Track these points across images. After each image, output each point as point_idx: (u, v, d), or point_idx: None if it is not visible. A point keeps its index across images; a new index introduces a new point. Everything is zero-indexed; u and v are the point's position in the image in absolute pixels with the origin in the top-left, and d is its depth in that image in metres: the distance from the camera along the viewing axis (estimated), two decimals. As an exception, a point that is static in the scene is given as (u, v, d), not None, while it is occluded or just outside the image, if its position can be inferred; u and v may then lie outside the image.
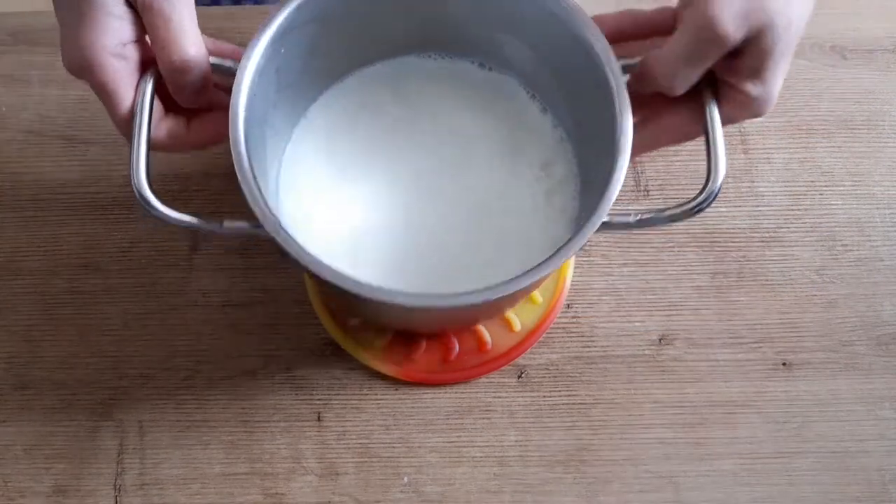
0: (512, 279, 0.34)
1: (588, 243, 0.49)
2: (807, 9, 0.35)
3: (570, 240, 0.35)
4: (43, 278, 0.48)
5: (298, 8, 0.38)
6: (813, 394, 0.46)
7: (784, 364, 0.47)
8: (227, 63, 0.37)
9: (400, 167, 0.43)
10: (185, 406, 0.46)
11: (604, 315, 0.48)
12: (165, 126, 0.38)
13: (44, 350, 0.47)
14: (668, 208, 0.36)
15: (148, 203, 0.34)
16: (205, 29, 0.37)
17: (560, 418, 0.46)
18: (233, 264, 0.48)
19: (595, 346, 0.47)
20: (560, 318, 0.48)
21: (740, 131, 0.52)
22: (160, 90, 0.36)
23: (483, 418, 0.46)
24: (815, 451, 0.45)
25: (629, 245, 0.50)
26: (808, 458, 0.45)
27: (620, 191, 0.35)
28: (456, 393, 0.46)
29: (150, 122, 0.35)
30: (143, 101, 0.35)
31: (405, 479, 0.45)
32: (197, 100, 0.37)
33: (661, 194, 0.51)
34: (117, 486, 0.44)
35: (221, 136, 0.37)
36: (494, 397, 0.46)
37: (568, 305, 0.48)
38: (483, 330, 0.47)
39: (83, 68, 0.34)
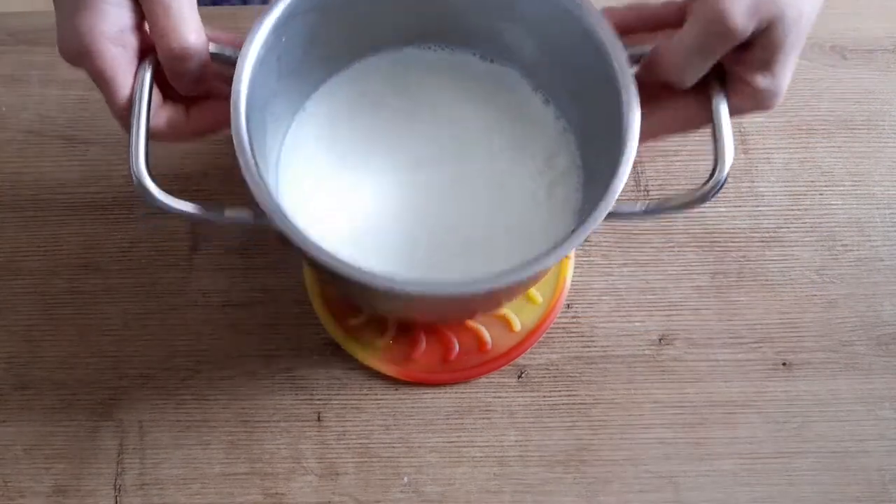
0: (516, 268, 0.34)
1: (588, 243, 0.49)
2: (818, 1, 0.34)
3: (576, 229, 0.34)
4: (43, 278, 0.48)
5: None
6: (813, 394, 0.46)
7: (784, 364, 0.47)
8: (227, 51, 0.36)
9: (400, 156, 0.43)
10: (185, 406, 0.46)
11: (604, 315, 0.48)
12: (164, 114, 0.37)
13: (44, 350, 0.47)
14: (675, 197, 0.36)
15: (148, 192, 0.34)
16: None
17: (560, 418, 0.46)
18: (233, 264, 0.48)
19: (595, 346, 0.47)
20: (560, 318, 0.48)
21: (740, 131, 0.52)
22: (158, 78, 0.36)
23: (483, 418, 0.46)
24: (815, 451, 0.45)
25: (629, 245, 0.50)
26: (808, 458, 0.45)
27: (620, 190, 0.35)
28: (456, 393, 0.46)
29: (148, 109, 0.35)
30: (141, 88, 0.35)
31: (405, 479, 0.45)
32: (196, 88, 0.37)
33: (661, 194, 0.51)
34: (117, 486, 0.44)
35: (220, 123, 0.36)
36: (494, 397, 0.46)
37: (568, 305, 0.48)
38: (483, 330, 0.47)
39: (81, 55, 0.34)
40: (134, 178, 0.34)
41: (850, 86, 0.54)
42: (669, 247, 0.50)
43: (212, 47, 0.36)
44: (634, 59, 0.37)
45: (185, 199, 0.34)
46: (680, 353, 0.47)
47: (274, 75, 0.39)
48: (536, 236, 0.41)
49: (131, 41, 0.35)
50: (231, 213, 0.35)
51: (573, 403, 0.46)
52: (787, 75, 0.35)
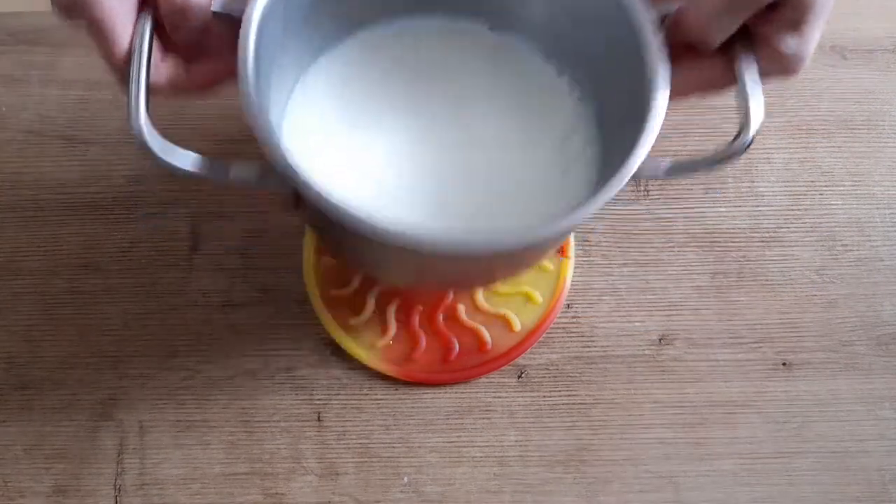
0: (548, 221, 0.32)
1: (588, 243, 0.49)
2: None
3: (603, 185, 0.33)
4: (43, 278, 0.48)
5: None
6: (813, 394, 0.46)
7: (784, 364, 0.47)
8: (231, 6, 0.35)
9: (412, 119, 0.42)
10: (185, 406, 0.46)
11: (604, 315, 0.48)
12: (164, 68, 0.35)
13: (44, 350, 0.47)
14: (699, 157, 0.35)
15: (150, 150, 0.31)
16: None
17: (560, 418, 0.46)
18: (233, 264, 0.48)
19: (595, 346, 0.47)
20: (560, 318, 0.48)
21: (740, 131, 0.52)
22: (158, 32, 0.34)
23: (483, 418, 0.46)
24: (815, 451, 0.45)
25: (629, 245, 0.50)
26: (808, 458, 0.45)
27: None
28: (456, 393, 0.46)
29: (149, 61, 0.33)
30: (141, 39, 0.33)
31: (405, 479, 0.45)
32: (197, 40, 0.35)
33: (661, 194, 0.51)
34: (117, 486, 0.44)
35: (223, 78, 0.35)
36: (494, 397, 0.46)
37: (568, 305, 0.48)
38: (483, 330, 0.47)
39: (76, 4, 0.32)
40: (134, 130, 0.31)
41: (850, 86, 0.54)
42: (669, 247, 0.50)
43: (214, 4, 0.35)
44: (659, 20, 0.36)
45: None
46: (680, 353, 0.47)
47: (280, 31, 0.37)
48: (552, 202, 0.40)
49: None
50: (236, 172, 0.33)
51: (573, 403, 0.46)
52: (814, 39, 0.34)
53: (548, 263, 0.48)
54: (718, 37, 0.35)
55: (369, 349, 0.46)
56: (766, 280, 0.49)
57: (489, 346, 0.46)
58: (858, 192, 0.51)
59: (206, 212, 0.49)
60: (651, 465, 0.45)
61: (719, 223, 0.50)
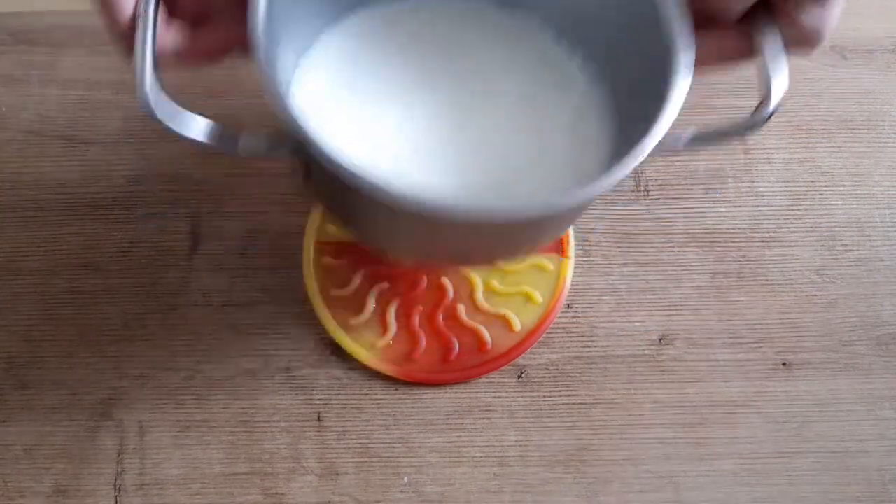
0: (573, 189, 0.32)
1: (588, 243, 0.49)
2: None
3: (626, 154, 0.33)
4: (43, 278, 0.48)
5: None
6: (813, 394, 0.46)
7: (784, 364, 0.47)
8: None
9: (426, 95, 0.42)
10: (185, 406, 0.46)
11: (604, 315, 0.48)
12: (170, 36, 0.34)
13: (44, 350, 0.47)
14: (719, 127, 0.35)
15: (153, 115, 0.30)
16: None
17: (560, 418, 0.46)
18: (233, 264, 0.48)
19: (595, 346, 0.47)
20: (560, 318, 0.48)
21: (740, 131, 0.52)
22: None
23: (483, 418, 0.46)
24: (815, 451, 0.45)
25: (629, 245, 0.50)
26: (808, 458, 0.45)
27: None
28: (456, 393, 0.46)
29: (155, 25, 0.32)
30: (147, 3, 0.32)
31: (405, 479, 0.45)
32: (204, 4, 0.35)
33: (661, 194, 0.51)
34: (117, 487, 0.44)
35: (231, 44, 0.34)
36: (494, 397, 0.46)
37: (568, 305, 0.48)
38: (483, 330, 0.47)
39: None
40: (140, 99, 0.30)
41: (850, 86, 0.54)
42: (669, 247, 0.50)
43: None
44: None
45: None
46: (680, 353, 0.47)
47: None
48: (567, 178, 0.40)
49: None
50: (245, 142, 0.33)
51: (573, 403, 0.46)
52: (835, 15, 0.34)
53: (548, 263, 0.48)
54: (739, 6, 0.34)
55: (369, 349, 0.46)
56: (766, 280, 0.49)
57: (489, 346, 0.46)
58: (858, 192, 0.51)
59: (206, 212, 0.49)
60: (651, 465, 0.45)
61: (719, 223, 0.50)
